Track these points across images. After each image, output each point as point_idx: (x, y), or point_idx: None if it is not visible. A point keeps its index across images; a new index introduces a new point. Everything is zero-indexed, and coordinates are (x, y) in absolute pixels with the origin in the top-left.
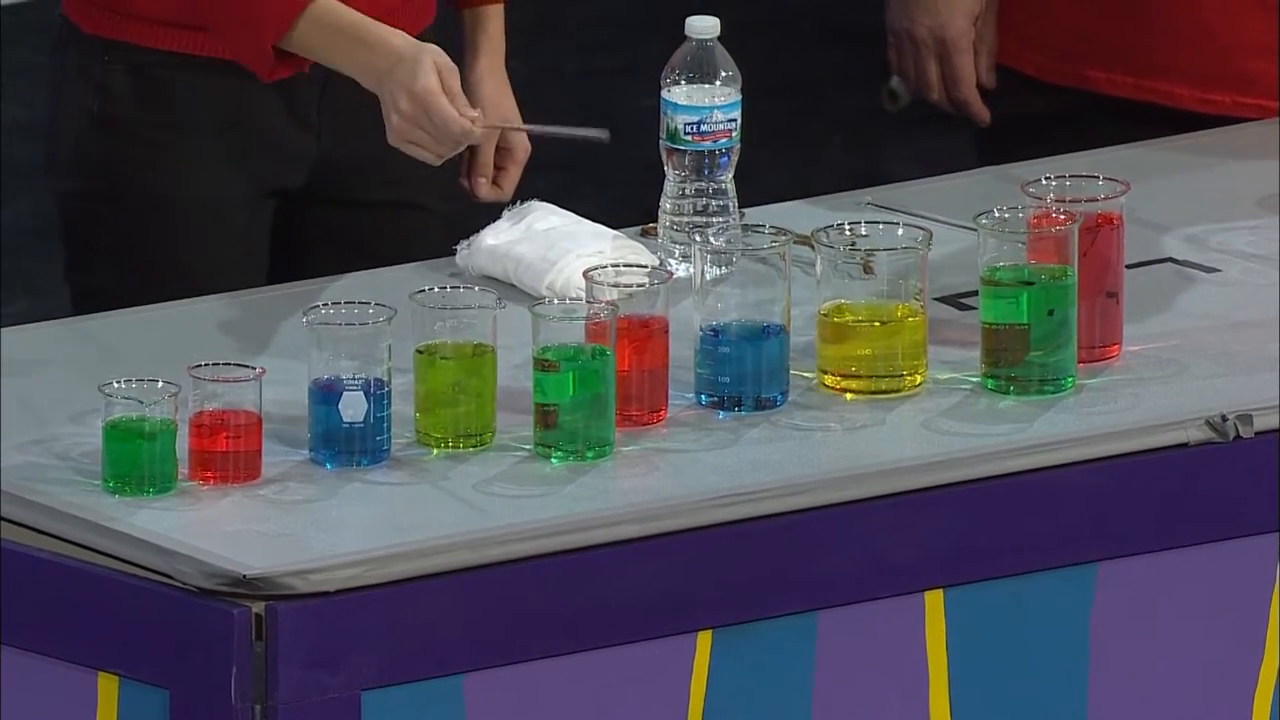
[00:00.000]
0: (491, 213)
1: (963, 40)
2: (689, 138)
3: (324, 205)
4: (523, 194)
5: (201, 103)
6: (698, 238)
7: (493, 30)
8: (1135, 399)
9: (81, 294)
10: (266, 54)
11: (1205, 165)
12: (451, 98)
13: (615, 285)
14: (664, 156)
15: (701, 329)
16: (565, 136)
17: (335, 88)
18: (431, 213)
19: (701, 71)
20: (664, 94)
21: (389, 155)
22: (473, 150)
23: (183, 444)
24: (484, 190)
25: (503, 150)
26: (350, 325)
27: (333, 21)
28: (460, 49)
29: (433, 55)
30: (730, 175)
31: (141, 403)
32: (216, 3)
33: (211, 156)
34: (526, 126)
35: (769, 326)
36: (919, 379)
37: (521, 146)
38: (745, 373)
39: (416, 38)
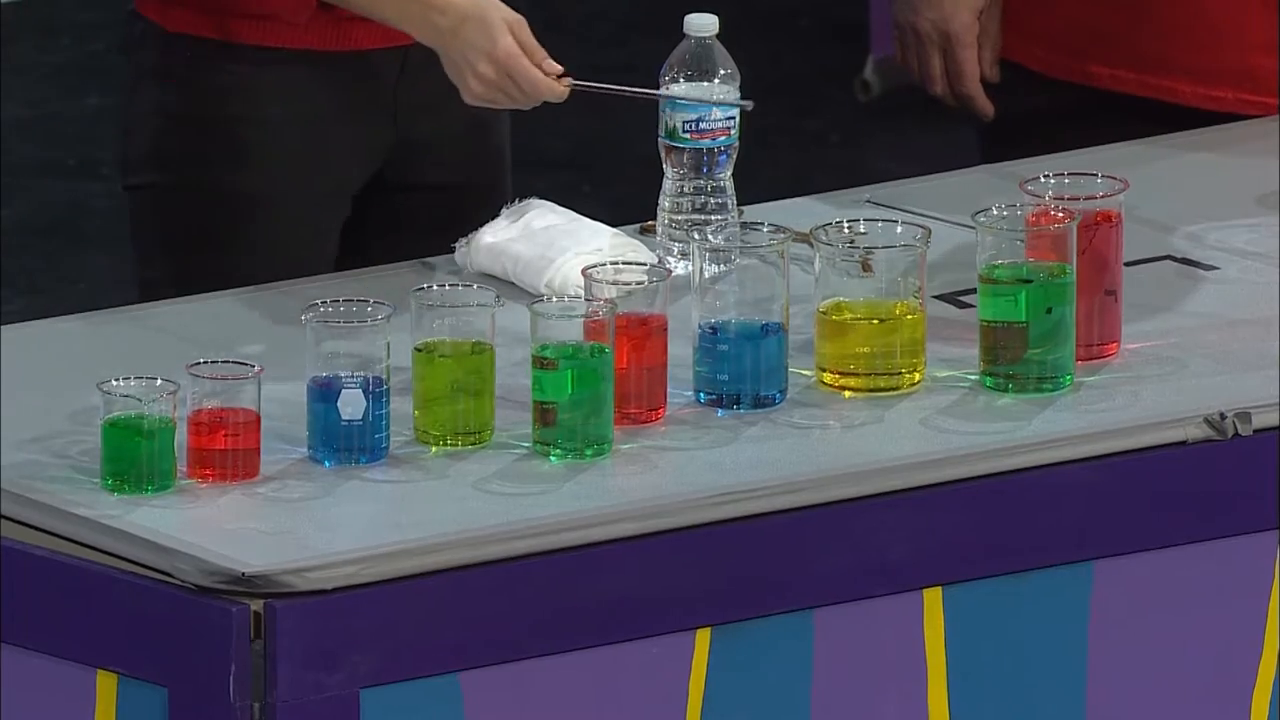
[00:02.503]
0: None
1: (967, 34)
2: (688, 135)
3: (396, 191)
4: (522, 192)
5: (284, 99)
6: (696, 235)
7: None
8: (1134, 397)
9: (154, 287)
10: (309, 6)
11: (1205, 162)
12: (530, 54)
13: (614, 283)
14: (663, 154)
15: (700, 327)
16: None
17: (411, 71)
18: (497, 191)
19: (700, 69)
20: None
21: (463, 136)
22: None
23: (181, 442)
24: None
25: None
26: (349, 323)
27: None
28: None
29: (500, 11)
30: (729, 173)
31: (140, 400)
32: None
33: (294, 152)
34: (617, 88)
35: (768, 324)
36: (917, 377)
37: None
38: (744, 370)
39: None
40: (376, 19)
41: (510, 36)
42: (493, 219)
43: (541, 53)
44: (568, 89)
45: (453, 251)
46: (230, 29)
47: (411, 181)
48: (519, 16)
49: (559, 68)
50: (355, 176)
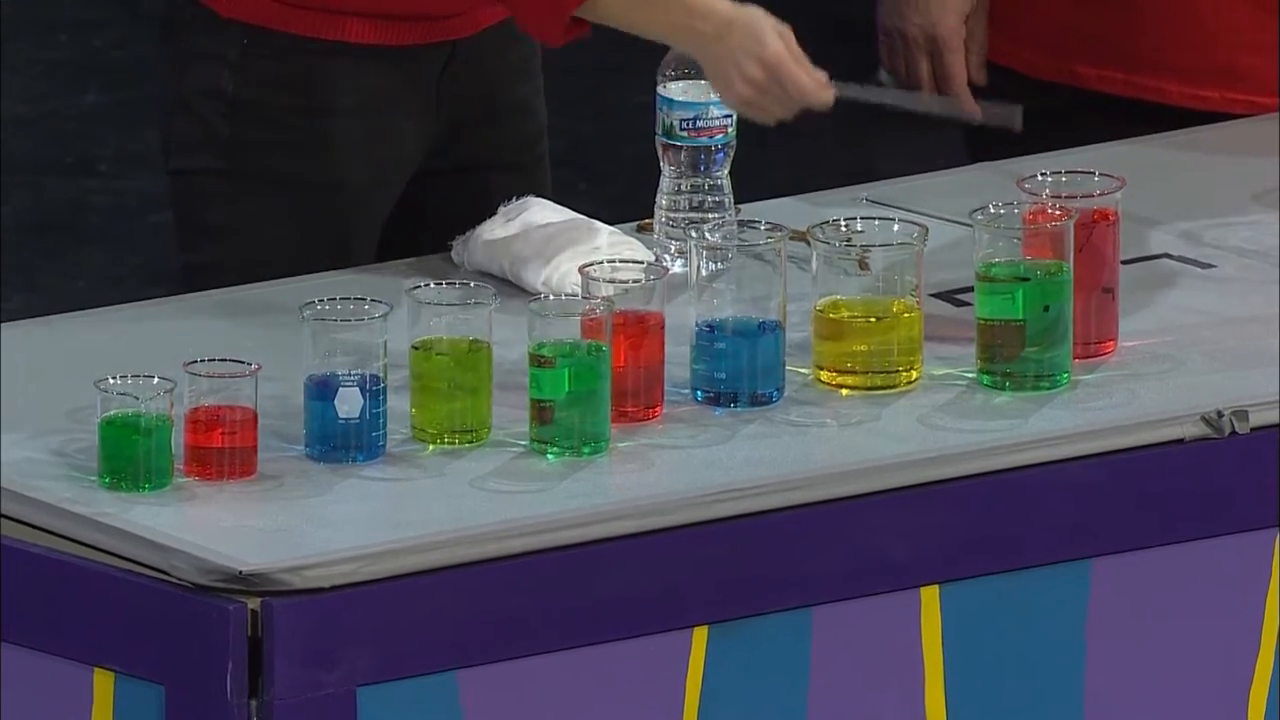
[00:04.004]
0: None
1: (954, 38)
2: (685, 133)
3: (429, 176)
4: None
5: (338, 89)
6: (694, 233)
7: None
8: (1131, 395)
9: (197, 271)
10: (563, 21)
11: (1198, 161)
12: (797, 60)
13: (611, 281)
14: (660, 152)
15: (697, 325)
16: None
17: (456, 63)
18: (539, 170)
19: (698, 68)
20: (660, 90)
21: (505, 120)
22: None
23: (178, 440)
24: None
25: None
26: (346, 321)
27: None
28: None
29: (768, 18)
30: (726, 171)
31: (137, 398)
32: None
33: (346, 142)
34: (879, 96)
35: (765, 322)
36: (914, 375)
37: None
38: (741, 368)
39: None
40: (636, 32)
41: (780, 42)
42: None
43: (806, 61)
44: (834, 94)
45: (450, 249)
46: (286, 18)
47: (448, 166)
48: (785, 25)
49: (824, 75)
50: (403, 168)
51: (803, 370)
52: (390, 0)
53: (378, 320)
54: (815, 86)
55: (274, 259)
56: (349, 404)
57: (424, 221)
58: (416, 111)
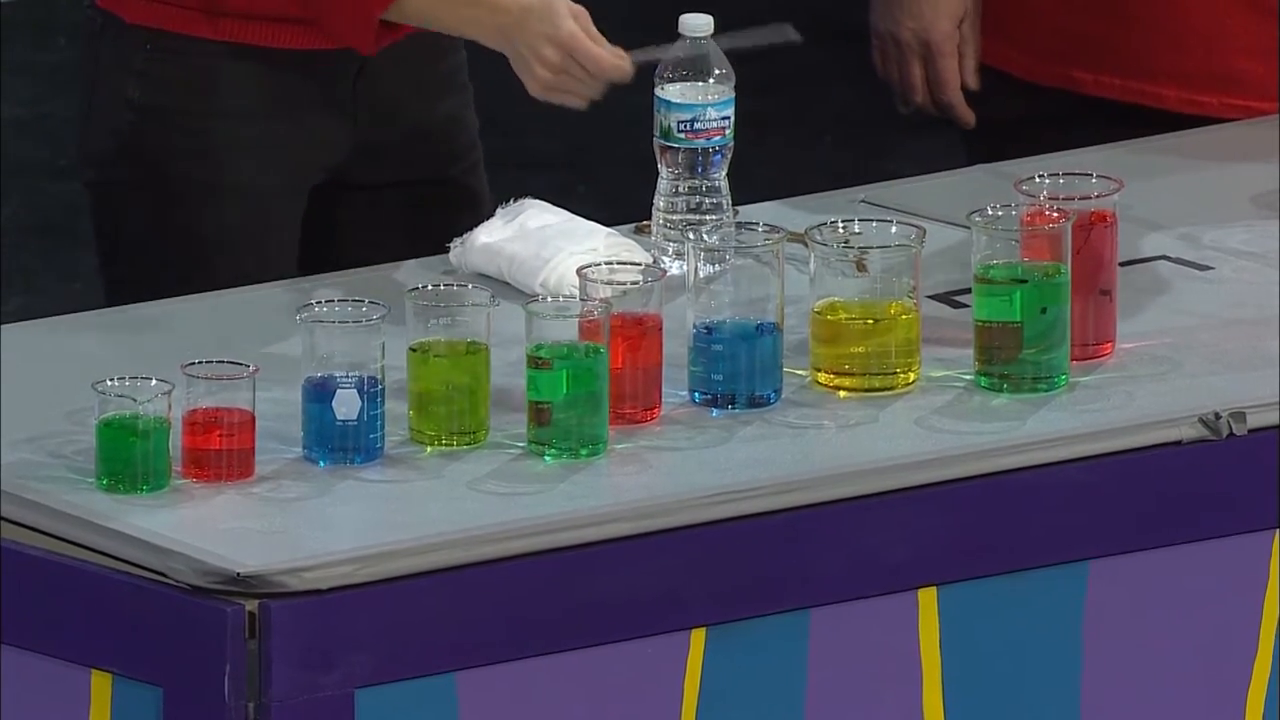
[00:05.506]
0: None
1: (947, 43)
2: (682, 135)
3: (355, 190)
4: (516, 192)
5: (243, 91)
6: (691, 235)
7: None
8: (1128, 397)
9: (118, 284)
10: (371, 27)
11: (1195, 164)
12: (593, 40)
13: (609, 283)
14: (657, 154)
15: (695, 326)
16: (747, 47)
17: (371, 71)
18: (457, 187)
19: (695, 69)
20: (657, 91)
21: (427, 135)
22: None
23: (176, 442)
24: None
25: None
26: (344, 323)
27: None
28: None
29: (564, 2)
30: (724, 173)
31: (135, 400)
32: None
33: (253, 144)
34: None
35: (762, 324)
36: (912, 376)
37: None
38: (739, 370)
39: None
40: (443, 31)
41: (572, 21)
42: (486, 217)
43: (603, 39)
44: (630, 66)
45: (447, 251)
46: (190, 22)
47: (375, 181)
48: (581, 8)
49: (621, 51)
50: (312, 171)
51: (800, 372)
52: (290, 4)
53: (375, 322)
54: (611, 59)
55: (200, 268)
56: (347, 406)
57: (352, 234)
58: (329, 114)
